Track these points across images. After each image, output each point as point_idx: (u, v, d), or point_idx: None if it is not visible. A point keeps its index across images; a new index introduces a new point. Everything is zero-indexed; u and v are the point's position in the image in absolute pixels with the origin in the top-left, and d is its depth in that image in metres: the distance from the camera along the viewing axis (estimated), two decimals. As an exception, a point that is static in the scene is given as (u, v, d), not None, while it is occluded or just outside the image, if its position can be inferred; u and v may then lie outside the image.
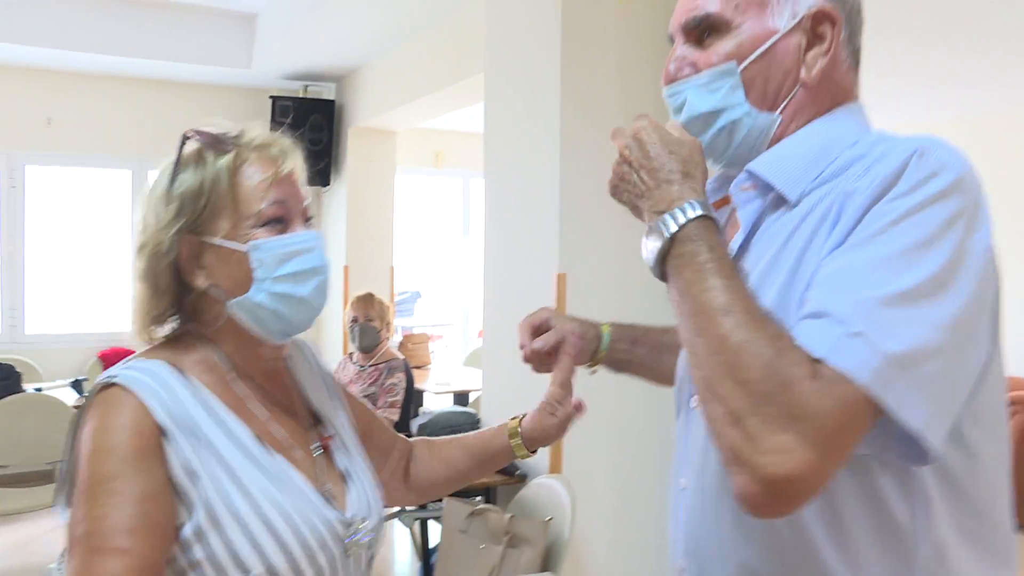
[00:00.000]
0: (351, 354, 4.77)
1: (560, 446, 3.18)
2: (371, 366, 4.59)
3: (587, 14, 3.18)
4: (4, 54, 6.11)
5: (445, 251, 8.95)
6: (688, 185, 1.02)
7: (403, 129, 6.96)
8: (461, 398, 5.70)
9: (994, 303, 0.97)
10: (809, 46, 1.09)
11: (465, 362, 7.33)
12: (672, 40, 1.15)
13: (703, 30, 1.11)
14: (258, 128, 1.29)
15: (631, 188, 1.06)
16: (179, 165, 1.23)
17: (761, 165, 1.08)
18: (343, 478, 1.29)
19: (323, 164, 6.95)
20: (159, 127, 6.91)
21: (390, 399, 4.45)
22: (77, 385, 5.26)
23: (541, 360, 1.45)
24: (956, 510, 1.00)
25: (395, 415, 4.40)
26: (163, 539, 1.10)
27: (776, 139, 1.10)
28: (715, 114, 1.09)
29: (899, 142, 0.98)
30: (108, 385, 1.15)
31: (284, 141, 1.29)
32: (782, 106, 1.09)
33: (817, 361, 0.87)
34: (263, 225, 1.21)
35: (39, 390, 4.95)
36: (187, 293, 1.24)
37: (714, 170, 1.16)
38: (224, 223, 1.21)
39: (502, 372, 3.56)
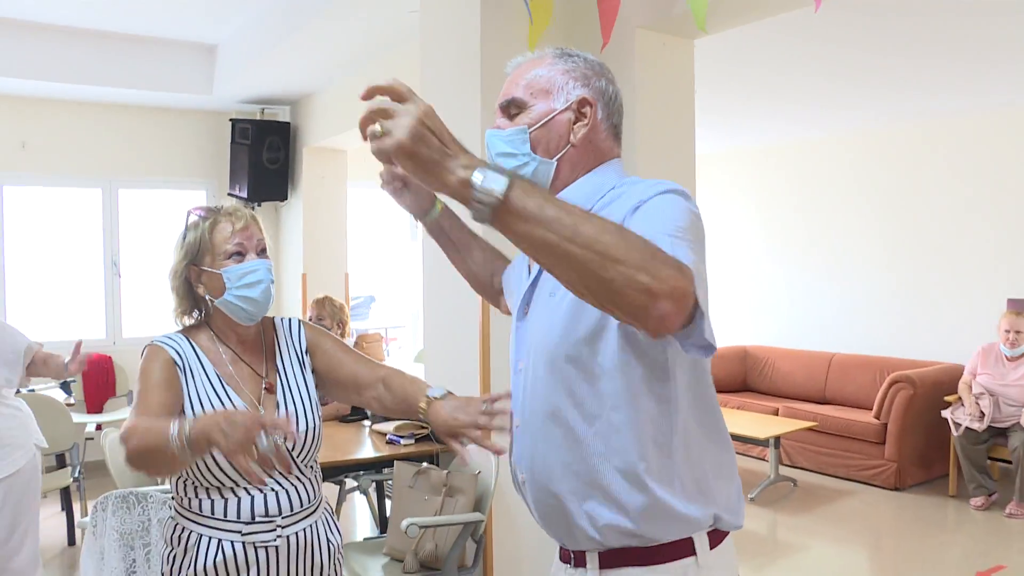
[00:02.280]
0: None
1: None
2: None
3: (503, 53, 3.85)
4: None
5: (396, 258, 9.52)
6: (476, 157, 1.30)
7: (353, 148, 7.58)
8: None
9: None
10: (576, 120, 1.65)
11: (415, 359, 7.95)
12: (496, 115, 1.74)
13: (511, 107, 1.69)
14: (231, 203, 2.19)
15: (430, 147, 1.25)
16: (186, 228, 2.17)
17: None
18: (276, 405, 2.13)
19: (280, 181, 7.55)
20: (127, 149, 7.52)
21: (349, 388, 5.11)
22: (65, 386, 5.81)
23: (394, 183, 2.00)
24: (695, 407, 1.59)
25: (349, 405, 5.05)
26: (171, 409, 2.01)
27: (556, 178, 1.66)
28: (511, 155, 1.66)
29: (642, 183, 1.60)
30: (150, 344, 2.11)
31: (243, 210, 2.17)
32: (556, 157, 1.65)
33: None
34: (229, 258, 2.10)
35: (32, 391, 5.52)
36: (197, 298, 2.16)
37: None
38: (209, 258, 2.11)
39: (441, 365, 4.20)
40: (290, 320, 2.29)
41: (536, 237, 1.25)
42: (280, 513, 2.07)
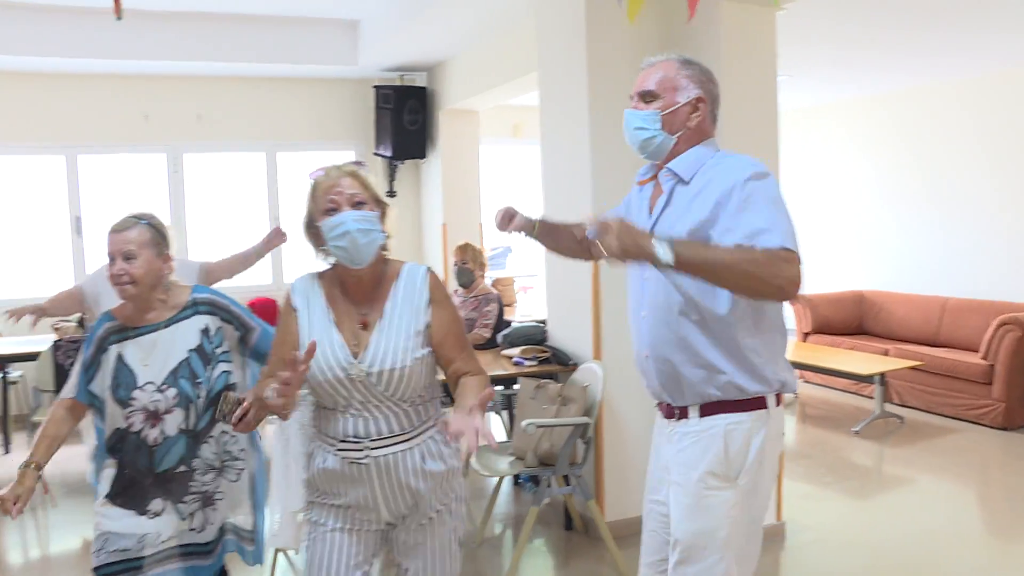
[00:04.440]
0: (456, 289, 6.18)
1: (600, 339, 4.50)
2: (472, 297, 6.01)
3: (606, 29, 4.44)
4: (163, 66, 7.66)
5: (529, 210, 10.17)
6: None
7: (485, 108, 8.28)
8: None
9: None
10: (692, 111, 2.35)
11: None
12: (632, 98, 2.42)
13: (646, 95, 2.38)
14: (338, 164, 2.36)
15: (632, 235, 2.06)
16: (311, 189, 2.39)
17: (673, 165, 2.36)
18: (367, 344, 2.29)
19: (420, 140, 8.35)
20: (285, 116, 8.45)
21: (484, 322, 5.86)
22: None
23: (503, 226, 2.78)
24: (772, 314, 2.32)
25: (488, 333, 5.79)
26: (292, 345, 2.32)
27: (675, 151, 2.35)
28: (644, 128, 2.38)
29: (729, 159, 2.29)
30: (291, 284, 2.44)
31: (336, 168, 2.32)
32: (676, 135, 2.37)
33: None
34: (325, 212, 2.27)
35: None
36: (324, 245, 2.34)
37: (645, 161, 2.47)
38: (317, 214, 2.30)
39: (561, 305, 4.88)
40: (419, 268, 2.41)
41: (700, 273, 2.10)
42: (368, 436, 2.29)
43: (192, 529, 2.70)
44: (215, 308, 2.75)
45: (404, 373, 2.27)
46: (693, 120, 2.36)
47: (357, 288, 2.34)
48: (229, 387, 2.71)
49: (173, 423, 2.62)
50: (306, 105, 8.54)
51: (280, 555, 4.24)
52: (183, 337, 2.68)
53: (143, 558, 2.64)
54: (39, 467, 2.63)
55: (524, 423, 4.04)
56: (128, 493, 2.66)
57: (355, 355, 2.27)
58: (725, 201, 2.19)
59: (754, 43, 4.26)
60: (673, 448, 2.39)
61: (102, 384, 2.69)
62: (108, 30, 6.00)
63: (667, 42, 4.46)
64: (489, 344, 5.71)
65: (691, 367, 2.31)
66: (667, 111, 2.35)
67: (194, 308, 2.73)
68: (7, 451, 6.52)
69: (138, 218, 2.69)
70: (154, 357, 2.65)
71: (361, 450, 2.28)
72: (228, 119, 8.32)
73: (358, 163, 2.38)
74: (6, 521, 5.14)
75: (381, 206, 2.34)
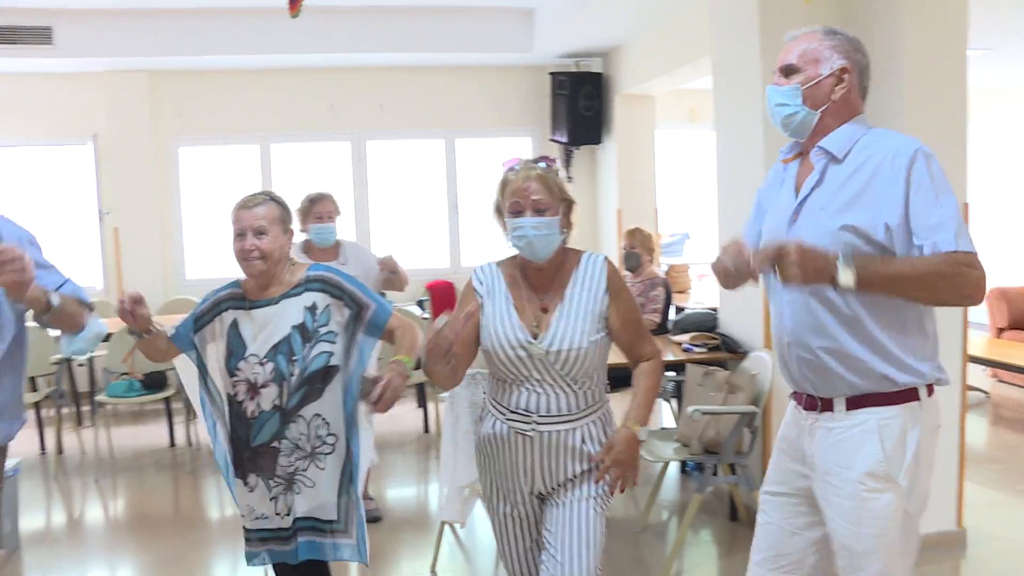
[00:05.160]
0: (624, 274, 6.16)
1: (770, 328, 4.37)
2: (639, 282, 5.97)
3: (783, 12, 4.30)
4: (347, 59, 8.04)
5: (709, 198, 9.98)
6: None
7: (661, 93, 8.18)
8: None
9: None
10: (837, 83, 2.23)
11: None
12: (774, 74, 2.33)
13: (787, 70, 2.27)
14: (528, 162, 2.48)
15: (817, 260, 2.04)
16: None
17: (826, 143, 2.23)
18: (548, 326, 2.45)
19: (595, 126, 8.35)
20: (463, 104, 8.65)
21: (652, 307, 5.81)
22: (420, 304, 7.02)
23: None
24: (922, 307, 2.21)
25: (657, 318, 5.74)
26: (473, 331, 2.50)
27: (822, 127, 2.23)
28: (786, 105, 2.28)
29: (887, 137, 2.19)
30: (474, 271, 2.61)
31: (525, 170, 2.43)
32: (820, 109, 2.25)
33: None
34: (510, 210, 2.44)
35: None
36: None
37: (788, 138, 2.38)
38: (503, 207, 2.46)
39: (733, 292, 4.78)
40: (597, 258, 2.55)
41: (882, 291, 2.08)
42: (537, 411, 2.44)
43: (277, 514, 2.73)
44: (326, 285, 2.74)
45: (580, 354, 2.42)
46: (838, 92, 2.24)
47: (537, 276, 2.52)
48: (328, 368, 2.70)
49: (268, 398, 2.66)
50: (483, 92, 8.71)
51: (447, 528, 4.37)
52: (289, 313, 2.70)
53: (264, 530, 2.76)
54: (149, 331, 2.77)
55: (689, 409, 4.00)
56: (235, 462, 2.78)
57: (534, 336, 2.44)
58: (889, 180, 2.10)
59: (942, 14, 4.01)
60: (817, 444, 2.27)
61: (216, 350, 2.79)
62: (296, 28, 6.31)
63: (844, 20, 4.26)
64: (659, 330, 5.66)
65: (835, 357, 2.20)
66: (809, 84, 2.24)
67: (305, 285, 2.74)
68: (81, 424, 6.93)
69: (266, 195, 2.76)
70: (263, 331, 2.70)
71: (529, 423, 2.45)
72: (409, 107, 8.60)
73: (548, 162, 2.48)
74: (206, 481, 5.57)
75: (566, 203, 2.48)
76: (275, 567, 2.85)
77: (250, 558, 2.81)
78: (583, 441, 2.46)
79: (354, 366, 2.75)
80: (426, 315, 7.41)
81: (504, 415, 2.49)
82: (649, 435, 4.44)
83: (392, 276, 4.75)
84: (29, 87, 8.00)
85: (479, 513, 4.50)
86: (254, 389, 2.68)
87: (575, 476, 2.47)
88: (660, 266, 7.50)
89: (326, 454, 2.72)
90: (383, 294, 5.33)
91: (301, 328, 2.69)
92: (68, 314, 2.66)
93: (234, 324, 2.76)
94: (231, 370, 2.72)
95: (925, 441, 2.19)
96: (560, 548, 2.42)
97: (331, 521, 2.74)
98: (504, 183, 2.48)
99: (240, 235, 2.70)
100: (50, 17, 7.23)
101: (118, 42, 7.44)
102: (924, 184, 2.06)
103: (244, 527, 2.82)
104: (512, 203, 2.44)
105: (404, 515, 5.00)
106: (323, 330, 2.70)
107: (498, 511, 2.60)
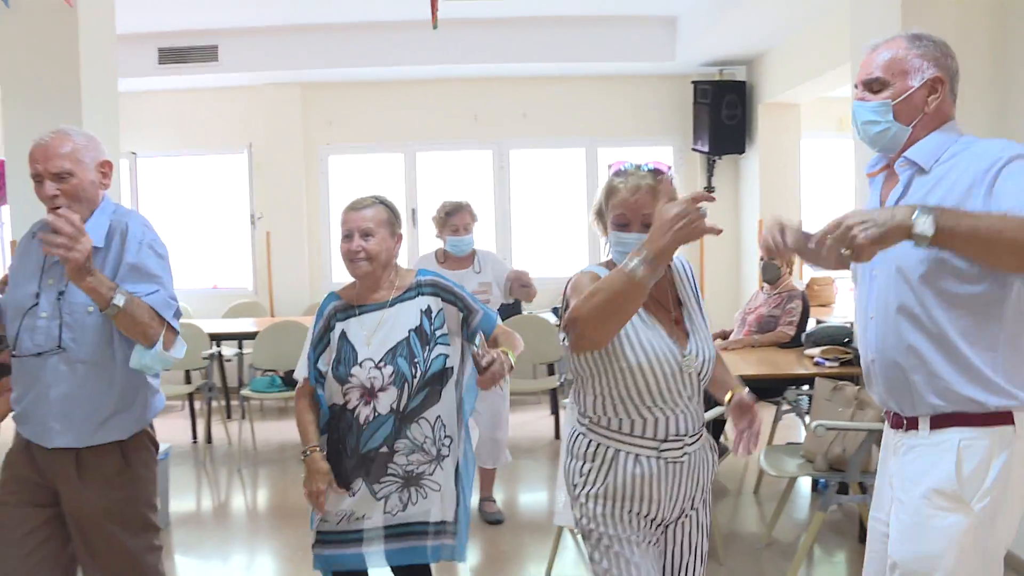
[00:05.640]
0: (761, 286, 6.04)
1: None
2: (776, 294, 5.83)
3: (925, 15, 4.13)
4: (490, 69, 8.22)
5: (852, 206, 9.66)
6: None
7: (806, 101, 7.97)
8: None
9: None
10: (930, 93, 2.11)
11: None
12: (857, 87, 2.22)
13: (874, 84, 2.16)
14: (638, 168, 2.25)
15: (883, 214, 1.86)
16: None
17: (912, 153, 2.12)
18: (686, 334, 2.27)
19: (738, 135, 8.20)
20: (604, 113, 8.67)
21: (788, 320, 5.67)
22: (555, 311, 7.08)
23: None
24: (1016, 321, 2.04)
25: (792, 331, 5.60)
26: None
27: (910, 141, 2.12)
28: (875, 122, 2.17)
29: (981, 142, 2.07)
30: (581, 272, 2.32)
31: (637, 180, 2.21)
32: (912, 124, 2.12)
33: None
34: (615, 221, 2.23)
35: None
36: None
37: (874, 152, 2.27)
38: (608, 213, 2.25)
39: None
40: (686, 263, 2.41)
41: (964, 243, 1.88)
42: (688, 433, 2.24)
43: (387, 512, 2.73)
44: (438, 289, 2.81)
45: (712, 363, 2.29)
46: (932, 104, 2.11)
47: (656, 286, 2.21)
48: (445, 371, 2.74)
49: (386, 401, 2.68)
50: (625, 101, 8.69)
51: (567, 534, 4.39)
52: (405, 317, 2.75)
53: (350, 532, 2.76)
54: (317, 448, 2.74)
55: (814, 424, 3.88)
56: (335, 471, 2.74)
57: (675, 343, 2.23)
58: (980, 182, 1.97)
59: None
60: (898, 461, 2.16)
61: (327, 360, 2.79)
62: (440, 39, 6.51)
63: (997, 25, 4.05)
64: (793, 343, 5.51)
65: (920, 375, 2.07)
66: (899, 99, 2.11)
67: (418, 289, 2.80)
68: (229, 417, 7.29)
69: (375, 199, 2.82)
70: (377, 335, 2.73)
71: (680, 448, 2.23)
72: (551, 116, 8.67)
73: (660, 170, 2.26)
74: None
75: None
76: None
77: (321, 563, 2.81)
78: (708, 453, 2.33)
79: (467, 369, 2.84)
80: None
81: (656, 448, 2.20)
82: (776, 451, 4.36)
83: (523, 288, 4.83)
84: (193, 101, 8.57)
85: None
86: (370, 393, 2.70)
87: (698, 499, 2.32)
88: (800, 279, 7.31)
89: (445, 456, 2.78)
90: (514, 301, 5.45)
91: (419, 331, 2.74)
92: (135, 321, 2.48)
93: (343, 334, 2.78)
94: (342, 378, 2.72)
95: (1018, 470, 2.04)
96: (687, 571, 2.34)
97: (443, 523, 2.78)
98: (610, 190, 2.26)
99: (347, 236, 2.76)
100: (217, 37, 7.79)
101: (275, 57, 7.91)
102: (1015, 173, 1.93)
103: (318, 531, 2.80)
104: (618, 215, 2.23)
105: (528, 519, 5.06)
106: (439, 333, 2.77)
107: (623, 552, 2.22)
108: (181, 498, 5.41)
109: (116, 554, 2.64)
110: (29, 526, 2.63)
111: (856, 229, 1.86)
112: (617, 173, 2.28)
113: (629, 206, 2.21)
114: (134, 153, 8.59)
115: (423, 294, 2.80)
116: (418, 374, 2.70)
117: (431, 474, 2.75)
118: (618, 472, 2.21)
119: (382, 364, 2.70)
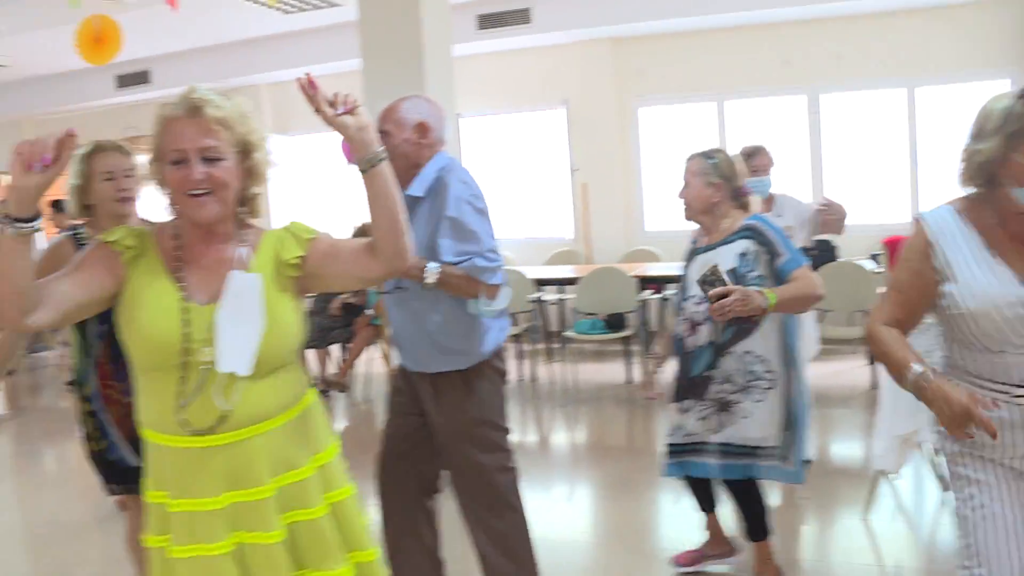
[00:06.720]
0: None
1: None
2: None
3: None
4: (802, 11, 8.02)
5: None
6: None
7: None
8: None
9: None
10: None
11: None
12: None
13: None
14: None
15: None
16: (1008, 112, 1.96)
17: None
18: None
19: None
20: (925, 49, 8.11)
21: None
22: (875, 257, 6.86)
23: None
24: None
25: None
26: (923, 292, 2.10)
27: None
28: None
29: None
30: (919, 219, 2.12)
31: None
32: None
33: None
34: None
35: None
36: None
37: None
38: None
39: None
40: None
41: None
42: None
43: (710, 431, 3.17)
44: (756, 233, 3.13)
45: None
46: None
47: (1020, 222, 2.00)
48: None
49: (704, 334, 3.15)
50: (948, 34, 8.07)
51: (883, 481, 4.37)
52: (724, 258, 3.11)
53: (691, 445, 3.23)
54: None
55: None
56: (675, 390, 3.31)
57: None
58: None
59: None
60: None
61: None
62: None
63: None
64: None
65: None
66: None
67: (740, 233, 3.15)
68: (551, 359, 7.65)
69: (704, 155, 3.25)
70: (702, 274, 3.07)
71: None
72: (866, 57, 8.29)
73: None
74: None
75: None
76: (697, 485, 3.40)
77: (670, 470, 3.33)
78: None
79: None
80: (880, 269, 7.19)
81: (1009, 393, 2.01)
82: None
83: (830, 218, 4.70)
84: (509, 62, 9.15)
85: (916, 466, 4.48)
86: (694, 326, 3.18)
87: None
88: None
89: (764, 388, 3.11)
90: (828, 247, 5.36)
91: (733, 272, 3.07)
92: (452, 287, 2.81)
93: (686, 270, 3.31)
94: (681, 308, 3.26)
95: None
96: None
97: (771, 447, 3.13)
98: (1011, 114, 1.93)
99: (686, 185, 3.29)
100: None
101: (586, 14, 8.25)
102: None
103: (668, 444, 3.32)
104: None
105: (842, 465, 5.09)
106: (752, 275, 3.09)
107: (985, 498, 2.07)
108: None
109: (469, 469, 3.02)
110: (405, 431, 3.11)
111: None
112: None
113: None
114: (459, 114, 9.29)
115: (743, 238, 3.14)
116: None
117: (739, 403, 3.12)
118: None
119: (701, 301, 3.09)
